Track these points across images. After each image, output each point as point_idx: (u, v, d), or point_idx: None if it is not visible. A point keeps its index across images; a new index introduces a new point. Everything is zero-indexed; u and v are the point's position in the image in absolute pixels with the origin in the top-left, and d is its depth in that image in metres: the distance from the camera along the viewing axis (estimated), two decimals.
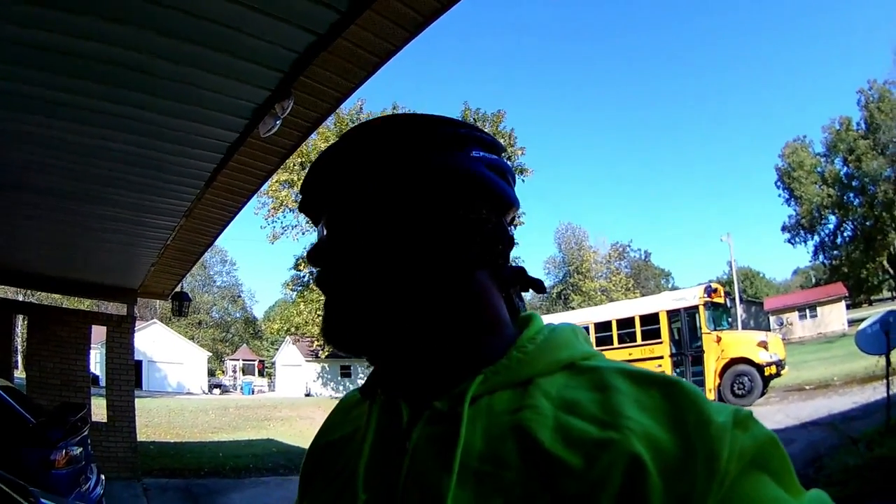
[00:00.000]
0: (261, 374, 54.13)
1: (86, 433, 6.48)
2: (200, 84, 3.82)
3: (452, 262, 0.66)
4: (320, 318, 0.86)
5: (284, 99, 3.90)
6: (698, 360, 16.14)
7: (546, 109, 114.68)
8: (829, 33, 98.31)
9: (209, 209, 6.36)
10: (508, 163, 0.74)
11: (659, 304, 18.08)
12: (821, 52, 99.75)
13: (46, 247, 7.75)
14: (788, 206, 46.55)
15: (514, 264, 0.74)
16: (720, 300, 17.27)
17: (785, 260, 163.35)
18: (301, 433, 18.57)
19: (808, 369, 18.76)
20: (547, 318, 0.72)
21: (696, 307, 16.51)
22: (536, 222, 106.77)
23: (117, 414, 9.67)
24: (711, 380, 15.51)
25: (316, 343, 36.18)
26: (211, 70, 3.66)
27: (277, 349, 49.43)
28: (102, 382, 10.62)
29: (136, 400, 10.24)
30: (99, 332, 10.35)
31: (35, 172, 5.12)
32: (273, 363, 50.97)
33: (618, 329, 18.45)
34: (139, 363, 34.86)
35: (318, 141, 25.75)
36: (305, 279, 33.56)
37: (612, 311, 19.82)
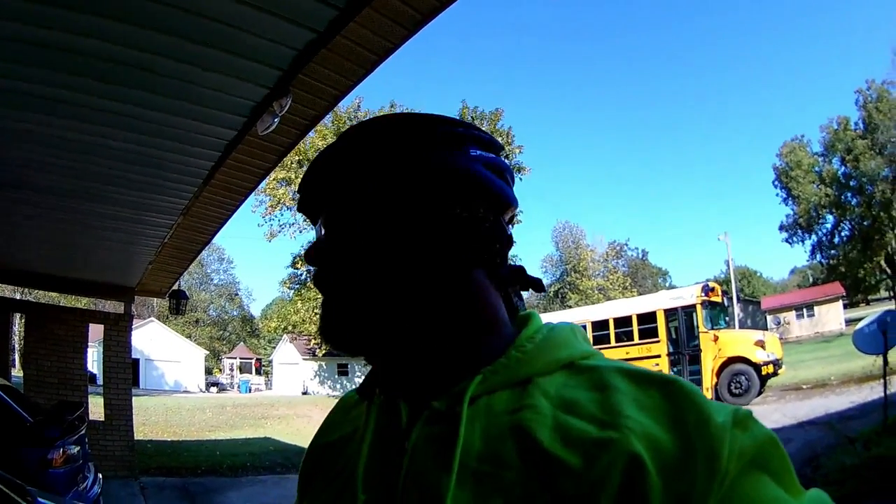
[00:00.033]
0: (258, 372, 54.04)
1: (83, 432, 6.47)
2: (200, 82, 3.82)
3: (450, 262, 0.65)
4: (318, 316, 0.85)
5: (283, 97, 3.90)
6: (695, 358, 16.18)
7: (544, 108, 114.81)
8: (829, 33, 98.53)
9: (207, 207, 6.35)
10: (506, 161, 0.74)
11: (656, 302, 18.11)
12: (820, 53, 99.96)
13: (45, 245, 7.74)
14: (786, 205, 46.60)
15: (512, 263, 0.74)
16: (717, 299, 17.29)
17: (782, 259, 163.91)
18: (298, 431, 18.57)
19: (805, 368, 18.79)
20: (544, 317, 0.72)
21: (694, 306, 16.55)
22: (534, 221, 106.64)
23: (114, 412, 9.66)
24: (708, 379, 15.54)
25: (313, 341, 36.22)
26: (210, 68, 3.66)
27: (275, 347, 49.40)
28: (100, 381, 10.60)
29: (134, 398, 10.24)
30: (96, 331, 10.33)
31: (34, 171, 5.11)
32: (270, 361, 50.96)
33: (615, 328, 18.48)
34: (136, 361, 34.89)
35: (316, 139, 25.74)
36: (303, 277, 33.54)
37: (610, 310, 19.83)
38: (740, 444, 0.50)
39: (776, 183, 46.86)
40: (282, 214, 31.32)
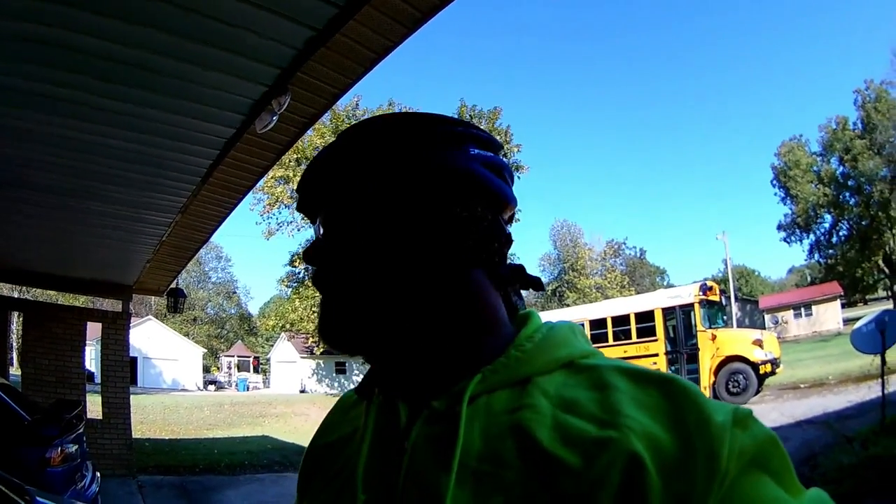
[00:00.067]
0: (256, 370, 54.05)
1: (81, 430, 6.47)
2: (199, 80, 3.81)
3: (448, 261, 0.65)
4: (315, 314, 0.85)
5: (281, 95, 3.89)
6: (693, 357, 16.22)
7: (543, 107, 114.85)
8: (828, 34, 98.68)
9: (205, 205, 6.34)
10: (506, 160, 0.74)
11: (654, 301, 18.14)
12: (819, 53, 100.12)
13: (43, 244, 7.72)
14: (784, 204, 46.52)
15: (512, 262, 0.74)
16: (715, 298, 17.33)
17: (780, 258, 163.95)
18: (296, 430, 18.59)
19: (803, 368, 18.80)
20: (542, 316, 0.72)
21: (692, 305, 16.58)
22: (532, 219, 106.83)
23: (112, 411, 9.65)
24: (706, 378, 15.56)
25: (311, 340, 36.17)
26: (209, 66, 3.65)
27: (272, 346, 49.38)
28: (97, 379, 10.61)
29: (132, 397, 10.23)
30: (94, 329, 10.34)
31: (33, 169, 5.10)
32: (268, 360, 50.95)
33: (613, 326, 18.51)
34: (134, 360, 34.84)
35: (314, 137, 25.73)
36: (301, 275, 33.53)
37: (608, 309, 19.86)
38: (740, 443, 0.50)
39: (774, 182, 46.87)
40: (280, 213, 31.35)
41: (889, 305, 33.00)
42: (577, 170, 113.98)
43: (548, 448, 0.55)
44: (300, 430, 18.51)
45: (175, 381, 44.49)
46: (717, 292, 17.64)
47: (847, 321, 34.27)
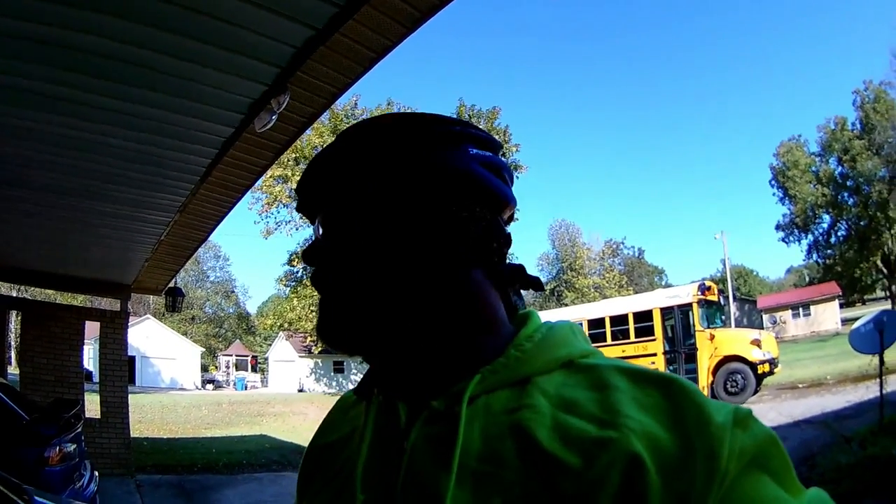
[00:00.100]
0: (254, 369, 54.03)
1: (79, 430, 6.46)
2: (198, 79, 3.81)
3: (447, 261, 0.65)
4: (314, 313, 0.85)
5: (280, 94, 3.89)
6: (691, 357, 16.24)
7: (542, 107, 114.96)
8: (827, 34, 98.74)
9: (203, 204, 6.34)
10: (505, 160, 0.74)
11: (653, 301, 18.16)
12: (818, 53, 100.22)
13: (42, 243, 7.72)
14: (783, 204, 46.46)
15: (512, 262, 0.73)
16: (714, 298, 17.34)
17: (779, 259, 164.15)
18: (294, 429, 18.59)
19: (801, 368, 18.83)
20: (540, 315, 0.72)
21: (690, 305, 16.59)
22: (531, 219, 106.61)
23: (110, 410, 9.65)
24: (704, 377, 15.58)
25: (309, 339, 36.18)
26: (209, 65, 3.65)
27: (270, 345, 49.38)
28: (96, 378, 10.59)
29: (130, 396, 10.22)
30: (92, 328, 10.33)
31: (33, 168, 5.10)
32: (266, 359, 50.93)
33: (611, 326, 18.53)
34: (132, 359, 34.80)
35: (313, 136, 25.72)
36: (299, 275, 33.47)
37: (606, 308, 19.88)
38: (740, 443, 0.50)
39: (773, 182, 46.85)
40: (278, 212, 31.26)
41: (887, 305, 33.04)
42: (575, 169, 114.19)
43: (547, 448, 0.55)
44: (298, 429, 18.51)
45: (173, 380, 44.50)
46: (716, 292, 17.66)
47: (845, 321, 34.33)
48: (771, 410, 12.04)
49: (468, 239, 0.66)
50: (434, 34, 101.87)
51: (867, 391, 11.00)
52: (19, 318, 10.10)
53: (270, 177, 28.04)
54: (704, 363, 15.78)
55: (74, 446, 6.05)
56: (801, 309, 41.64)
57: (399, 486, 0.61)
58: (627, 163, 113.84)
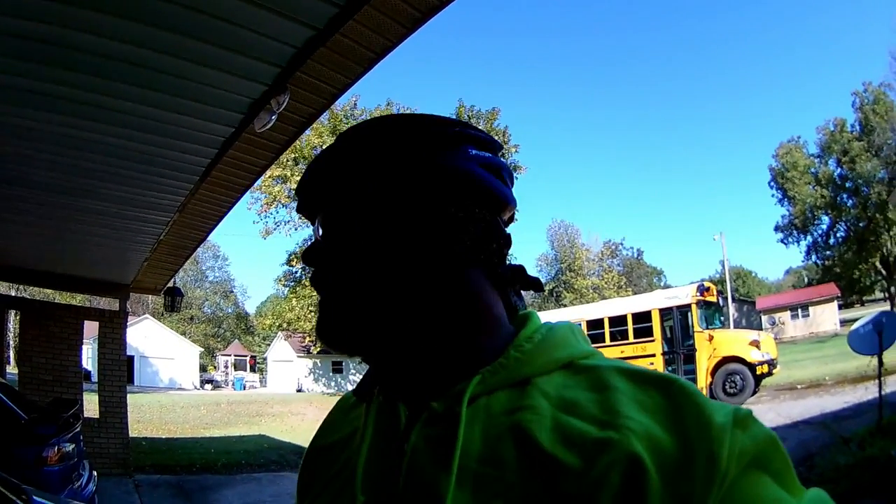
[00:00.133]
0: (252, 369, 54.00)
1: (78, 429, 6.45)
2: (198, 79, 3.81)
3: (446, 261, 0.65)
4: (312, 313, 0.84)
5: (280, 94, 3.89)
6: (690, 358, 16.23)
7: (541, 108, 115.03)
8: (826, 35, 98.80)
9: (203, 204, 6.34)
10: (504, 160, 0.74)
11: (651, 302, 18.16)
12: (817, 55, 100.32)
13: (41, 242, 7.71)
14: (781, 206, 46.54)
15: (512, 263, 0.73)
16: (713, 299, 17.35)
17: (777, 260, 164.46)
18: (293, 429, 18.59)
19: (799, 368, 18.84)
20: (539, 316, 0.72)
21: (689, 306, 16.59)
22: (529, 219, 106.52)
23: (109, 410, 9.64)
24: (703, 378, 15.57)
25: (308, 339, 36.15)
26: (209, 64, 3.65)
27: (269, 345, 49.35)
28: (94, 378, 10.59)
29: (128, 395, 10.21)
30: (91, 328, 10.32)
31: (32, 167, 5.09)
32: (265, 359, 50.88)
33: (610, 327, 18.53)
34: (131, 358, 34.81)
35: (312, 136, 25.71)
36: (298, 275, 33.45)
37: (605, 309, 19.88)
38: (741, 444, 0.50)
39: (772, 184, 46.90)
40: (277, 212, 31.25)
41: (886, 307, 33.10)
42: (574, 170, 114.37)
43: (548, 449, 0.55)
44: (297, 429, 18.51)
45: (172, 380, 44.49)
46: (715, 293, 17.67)
47: (844, 322, 34.35)
48: (769, 411, 12.04)
49: (468, 240, 0.66)
50: (434, 34, 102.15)
51: (866, 392, 11.00)
52: (18, 317, 10.09)
53: (269, 177, 28.02)
54: (703, 364, 15.78)
55: (73, 446, 6.04)
56: (799, 310, 41.68)
57: (399, 487, 0.61)
58: (626, 163, 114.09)
